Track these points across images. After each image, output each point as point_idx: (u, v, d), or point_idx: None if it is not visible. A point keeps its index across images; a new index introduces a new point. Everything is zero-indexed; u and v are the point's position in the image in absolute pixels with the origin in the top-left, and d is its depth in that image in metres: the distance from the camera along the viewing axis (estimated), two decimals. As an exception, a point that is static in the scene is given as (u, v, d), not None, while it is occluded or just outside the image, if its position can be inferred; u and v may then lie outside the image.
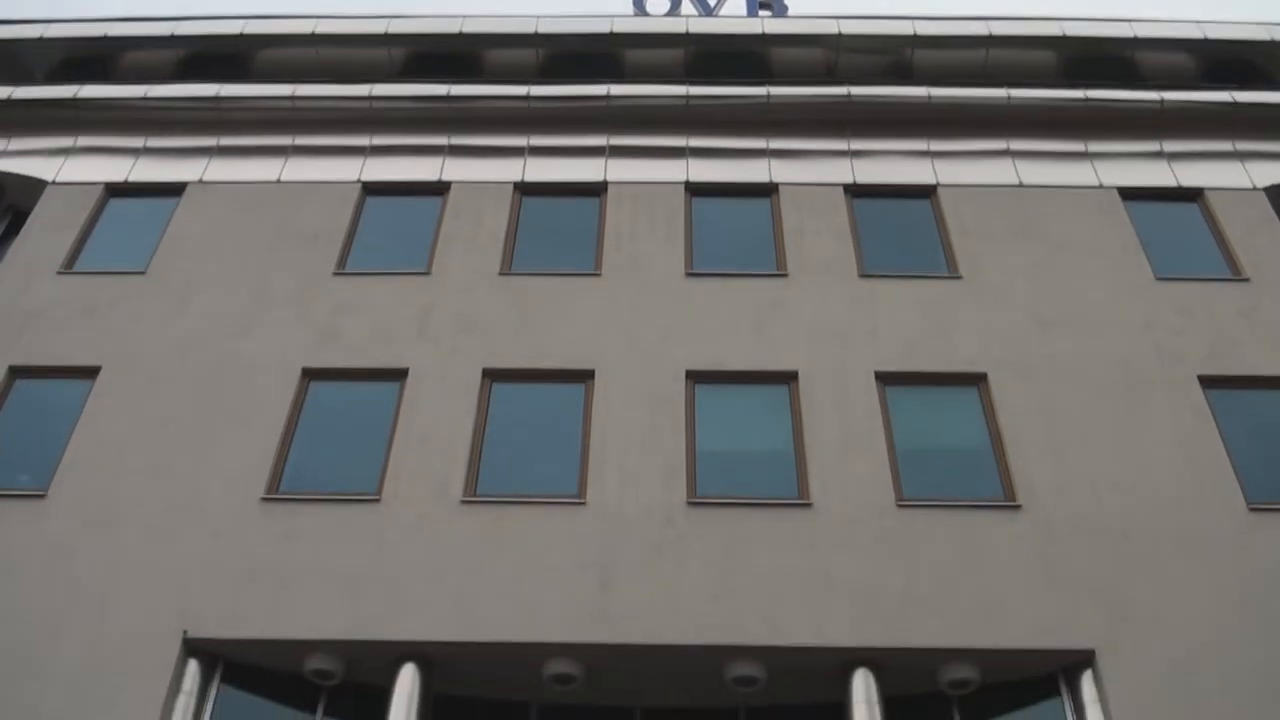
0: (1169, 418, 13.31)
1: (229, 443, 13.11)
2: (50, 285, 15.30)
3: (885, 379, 13.71)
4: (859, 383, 13.60)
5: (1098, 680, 11.18)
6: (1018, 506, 12.41)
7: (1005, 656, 11.41)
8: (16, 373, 14.29)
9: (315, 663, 11.53)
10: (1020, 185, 16.35)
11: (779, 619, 11.51)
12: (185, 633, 11.47)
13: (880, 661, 11.38)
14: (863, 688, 11.26)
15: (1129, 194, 16.27)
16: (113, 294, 15.07)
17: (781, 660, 11.43)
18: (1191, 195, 16.45)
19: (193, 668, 11.45)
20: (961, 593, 11.70)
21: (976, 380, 13.75)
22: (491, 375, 13.86)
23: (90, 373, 14.08)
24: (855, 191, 16.37)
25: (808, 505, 12.43)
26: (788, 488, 12.68)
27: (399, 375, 13.84)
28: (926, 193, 16.38)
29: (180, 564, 12.02)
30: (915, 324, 14.34)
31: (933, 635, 11.44)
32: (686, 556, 11.95)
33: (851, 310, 14.52)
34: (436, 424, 13.25)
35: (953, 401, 13.63)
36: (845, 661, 11.41)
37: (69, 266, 15.65)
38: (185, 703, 11.22)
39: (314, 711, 11.66)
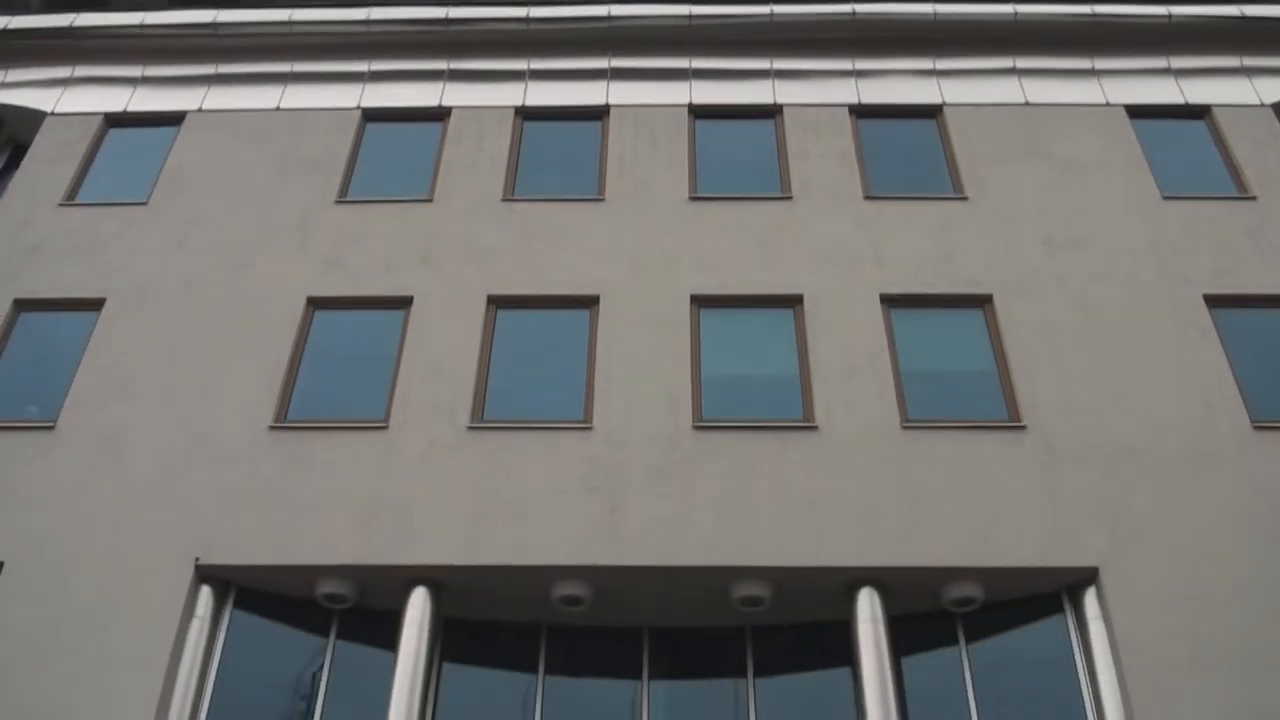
0: (1174, 337, 13.25)
1: (235, 372, 13.12)
2: (52, 217, 15.23)
3: (890, 301, 13.65)
4: (864, 305, 13.54)
5: (1101, 597, 11.27)
6: (1022, 427, 12.41)
7: (1009, 575, 11.49)
8: (21, 306, 14.28)
9: (327, 587, 11.64)
10: (1027, 104, 16.13)
11: (784, 540, 11.58)
12: (197, 560, 11.58)
13: (885, 580, 11.47)
14: (867, 606, 11.36)
15: (1136, 112, 16.06)
16: (115, 225, 15.00)
17: (787, 580, 11.53)
18: (1199, 113, 16.24)
19: (205, 594, 11.57)
20: (965, 513, 11.75)
21: (982, 302, 13.68)
22: (496, 302, 13.82)
23: (95, 305, 14.05)
24: (860, 112, 16.17)
25: (813, 428, 12.44)
26: (793, 411, 12.69)
27: (404, 303, 13.80)
28: (932, 113, 16.18)
29: (190, 492, 12.10)
30: (920, 246, 14.24)
31: (937, 554, 11.52)
32: (693, 479, 12.00)
33: (856, 233, 14.42)
34: (442, 351, 13.23)
35: (958, 323, 13.58)
36: (850, 581, 11.50)
37: (70, 198, 15.56)
38: (199, 627, 11.36)
39: (326, 635, 11.80)
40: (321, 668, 11.65)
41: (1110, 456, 12.15)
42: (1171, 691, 10.59)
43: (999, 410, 12.67)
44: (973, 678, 11.41)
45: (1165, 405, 12.59)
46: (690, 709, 11.76)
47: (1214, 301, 13.62)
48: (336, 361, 13.46)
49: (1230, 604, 11.07)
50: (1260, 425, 12.43)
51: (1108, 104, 16.12)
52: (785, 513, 11.75)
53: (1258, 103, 16.18)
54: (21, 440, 12.73)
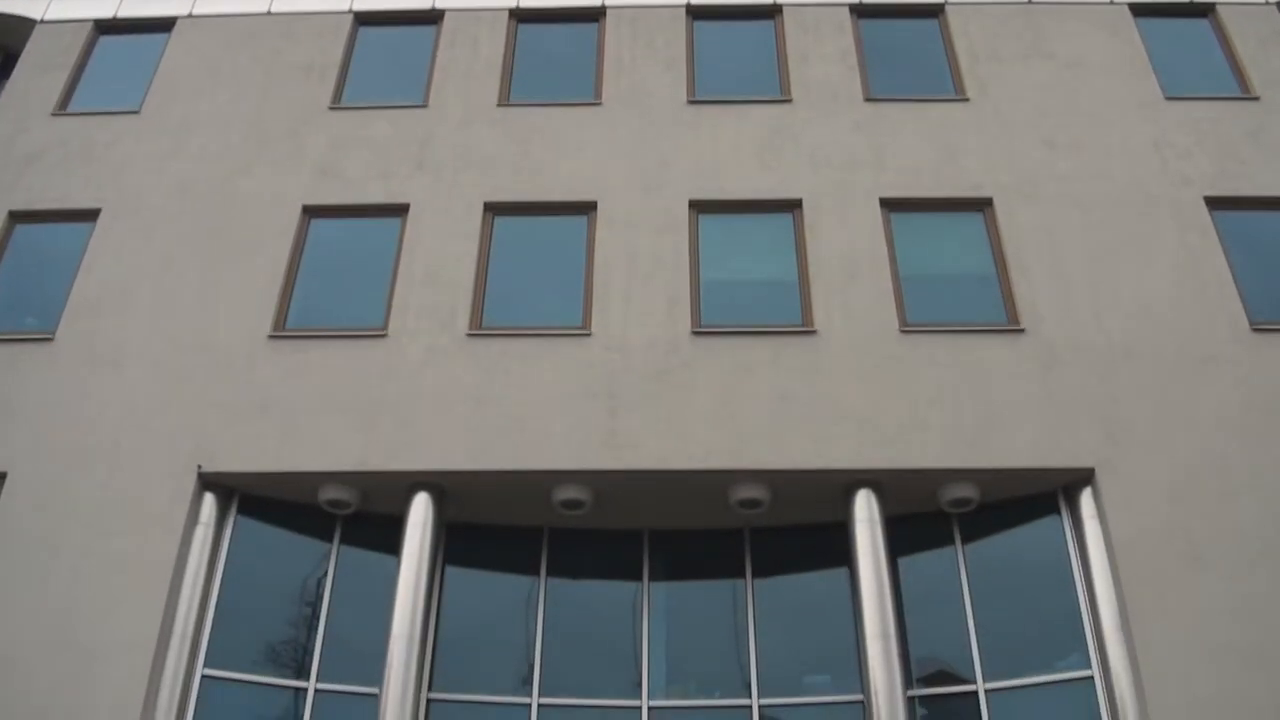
0: (1175, 239, 13.07)
1: (233, 281, 12.96)
2: (44, 128, 14.94)
3: (890, 205, 13.44)
4: (863, 209, 13.33)
5: (1096, 497, 11.26)
6: (1020, 330, 12.29)
7: (1005, 476, 11.46)
8: (16, 218, 14.08)
9: (329, 493, 11.63)
10: (1030, 2, 15.72)
11: (783, 443, 11.54)
12: (200, 467, 11.54)
13: (882, 482, 11.46)
14: (865, 507, 11.37)
15: (1140, 10, 15.66)
16: (108, 135, 14.72)
17: (785, 482, 11.52)
18: (1203, 10, 15.84)
19: (209, 500, 11.57)
20: (963, 415, 11.69)
21: (982, 205, 13.47)
22: (493, 209, 13.61)
23: (90, 215, 13.85)
24: (861, 12, 15.77)
25: (811, 333, 12.32)
26: (791, 315, 12.56)
27: (400, 211, 13.59)
28: (934, 11, 15.78)
29: (191, 401, 12.02)
30: (921, 148, 13.97)
31: (934, 456, 11.48)
32: (691, 384, 11.92)
33: (856, 135, 14.14)
34: (440, 259, 13.06)
35: (958, 226, 13.38)
36: (848, 483, 11.50)
37: (62, 108, 15.25)
38: (204, 533, 11.38)
39: (330, 540, 11.83)
40: (326, 573, 11.70)
41: (1108, 358, 12.06)
42: (1166, 588, 10.62)
43: (998, 313, 12.55)
44: (968, 577, 11.46)
45: (1164, 307, 12.46)
46: (690, 609, 11.83)
47: (1214, 203, 13.40)
48: (334, 270, 13.29)
49: (1226, 503, 11.06)
50: (1259, 327, 12.31)
51: (1111, 2, 15.71)
52: (783, 416, 11.69)
53: (1262, 0, 15.76)
54: (20, 352, 12.62)
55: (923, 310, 12.54)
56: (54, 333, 12.72)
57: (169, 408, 11.99)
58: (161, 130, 14.66)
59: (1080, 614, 10.98)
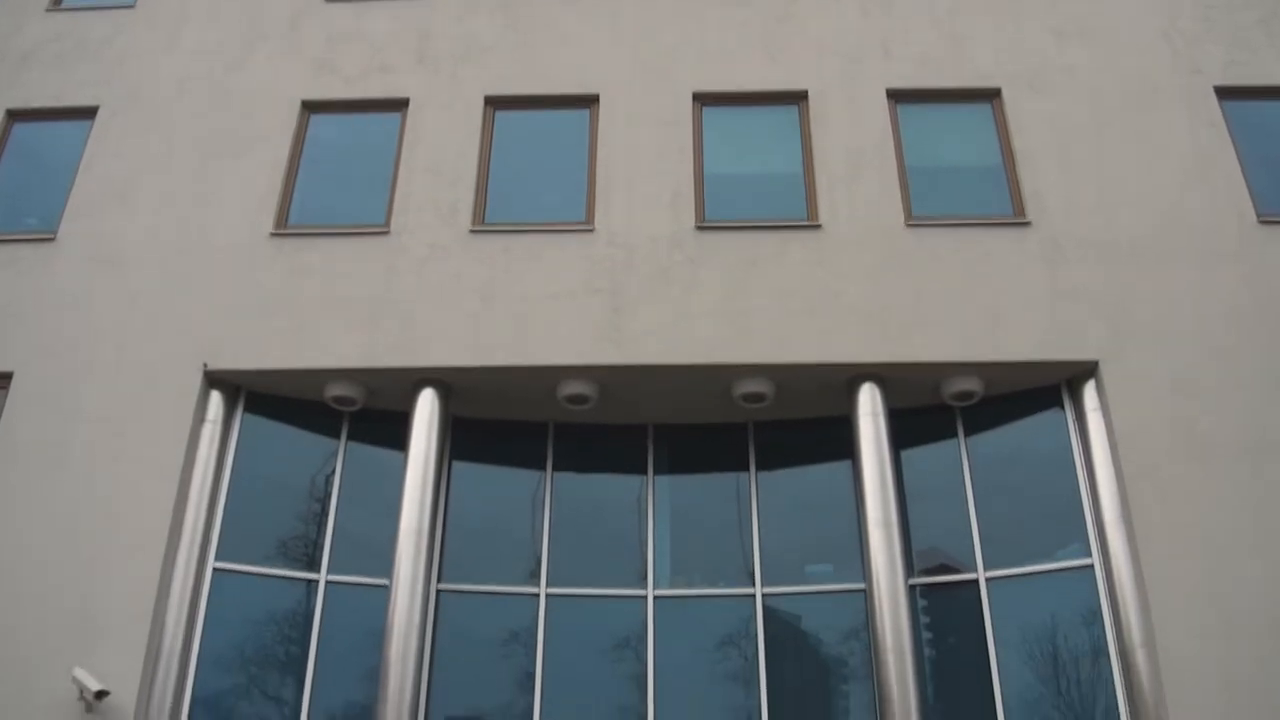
0: (1184, 130, 12.72)
1: (233, 179, 12.70)
2: (39, 24, 14.50)
3: (897, 96, 13.07)
4: (870, 101, 12.97)
5: (1100, 390, 11.14)
6: (1027, 223, 12.05)
7: (1009, 369, 11.34)
8: (14, 116, 13.73)
9: (335, 390, 11.54)
10: (1039, -112, 15.11)
11: (787, 337, 11.39)
12: (205, 365, 11.43)
13: (886, 376, 11.35)
14: (868, 401, 11.28)
15: (1149, -106, 15.06)
16: (103, 30, 14.29)
17: (789, 377, 11.41)
18: (1215, -107, 15.21)
19: (215, 398, 11.48)
20: (968, 308, 11.52)
21: (990, 96, 13.09)
22: (494, 103, 13.26)
23: (88, 113, 13.51)
24: (866, -101, 15.17)
25: (816, 227, 12.09)
26: (796, 210, 12.31)
27: (400, 105, 13.25)
28: (941, -101, 15.17)
29: (195, 299, 11.87)
30: (929, 38, 13.53)
31: (938, 350, 11.34)
32: (696, 279, 11.73)
33: (863, 25, 13.69)
34: (441, 154, 12.77)
35: (965, 118, 13.02)
36: (852, 377, 11.39)
37: (56, 3, 14.79)
38: (211, 430, 11.32)
39: (337, 437, 11.77)
40: (334, 469, 11.66)
41: (1114, 251, 11.83)
42: (1167, 480, 10.56)
43: (1004, 206, 12.28)
44: (970, 470, 11.41)
45: (1172, 199, 12.18)
46: (694, 502, 11.85)
47: (1224, 93, 13.01)
48: (334, 166, 13.01)
49: (1229, 396, 10.94)
50: (1267, 220, 12.06)
51: (1123, -113, 15.10)
52: (788, 310, 11.53)
53: (1277, -118, 15.16)
54: (22, 252, 12.42)
55: (929, 203, 12.27)
56: (55, 233, 12.50)
57: (172, 306, 11.83)
58: (156, 25, 14.22)
59: (1081, 505, 10.96)
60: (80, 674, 9.82)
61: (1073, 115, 12.82)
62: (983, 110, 12.99)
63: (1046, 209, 12.13)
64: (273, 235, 12.24)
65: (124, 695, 9.95)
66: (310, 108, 13.34)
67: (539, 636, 11.11)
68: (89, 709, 9.79)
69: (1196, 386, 11.00)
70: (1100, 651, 10.41)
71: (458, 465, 11.79)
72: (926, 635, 11.05)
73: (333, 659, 10.85)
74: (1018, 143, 12.63)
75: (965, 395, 11.45)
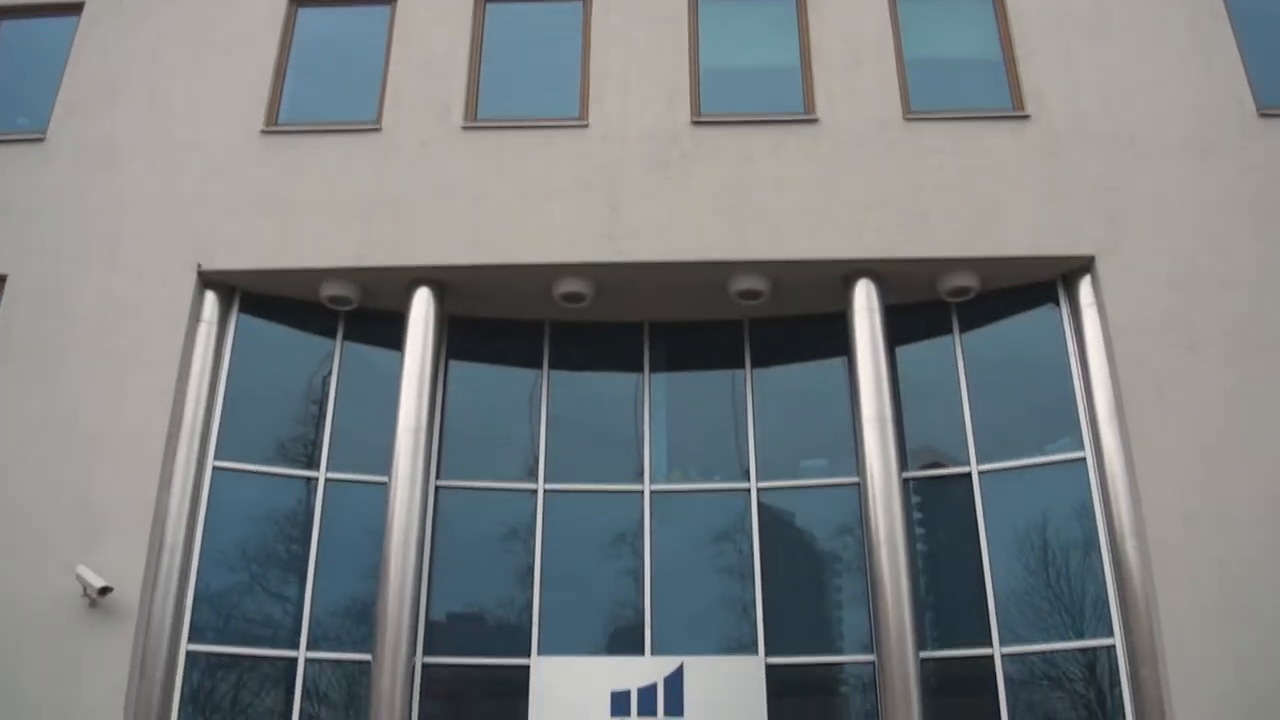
0: (1184, 20, 12.27)
1: (222, 76, 12.33)
2: (19, -82, 13.95)
3: (895, -12, 12.65)
4: (868, -9, 12.53)
5: (1095, 285, 10.95)
6: (1025, 116, 11.72)
7: (1005, 264, 11.14)
8: (0, 14, 13.28)
9: (330, 290, 11.35)
10: None
11: (783, 233, 11.16)
12: (199, 265, 11.22)
13: (882, 272, 11.16)
14: (864, 297, 11.11)
15: None
16: (84, -79, 13.75)
17: (785, 273, 11.21)
18: None
19: (210, 299, 11.31)
20: (965, 203, 11.26)
21: (990, -14, 12.66)
22: (485, -5, 12.84)
23: (74, 8, 13.05)
24: None
25: (813, 121, 11.77)
26: (793, 104, 11.96)
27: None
28: None
29: (187, 199, 11.60)
30: (927, -73, 13.02)
31: (935, 245, 11.12)
32: (691, 175, 11.46)
33: (860, -85, 13.17)
34: (432, 49, 12.37)
35: (965, 10, 12.56)
36: (847, 273, 11.20)
37: (36, -104, 14.22)
38: (206, 331, 11.17)
39: (333, 336, 11.61)
40: (330, 368, 11.52)
41: (1113, 145, 11.52)
42: (1162, 375, 10.43)
43: (1003, 99, 11.93)
44: (965, 365, 11.28)
45: (1171, 92, 11.82)
46: (690, 399, 11.75)
47: (1229, -17, 12.58)
48: (324, 63, 12.63)
49: (1225, 291, 10.74)
50: (1266, 113, 11.70)
51: None
52: (784, 206, 11.27)
53: None
54: (13, 153, 12.11)
55: (927, 97, 11.92)
56: (45, 132, 12.17)
57: (165, 206, 11.57)
58: (140, -82, 13.69)
59: (1075, 400, 10.84)
60: (83, 571, 9.79)
61: (1073, 7, 12.38)
62: (983, 2, 12.55)
63: (1045, 102, 11.79)
64: (263, 133, 11.92)
65: (127, 591, 9.94)
66: (298, 2, 12.88)
67: (537, 532, 11.10)
68: (93, 605, 9.78)
69: (1193, 281, 10.80)
70: (1090, 543, 10.40)
71: (454, 364, 11.67)
72: (919, 530, 11.04)
73: (334, 556, 10.86)
74: (1017, 34, 12.22)
75: (961, 291, 11.27)
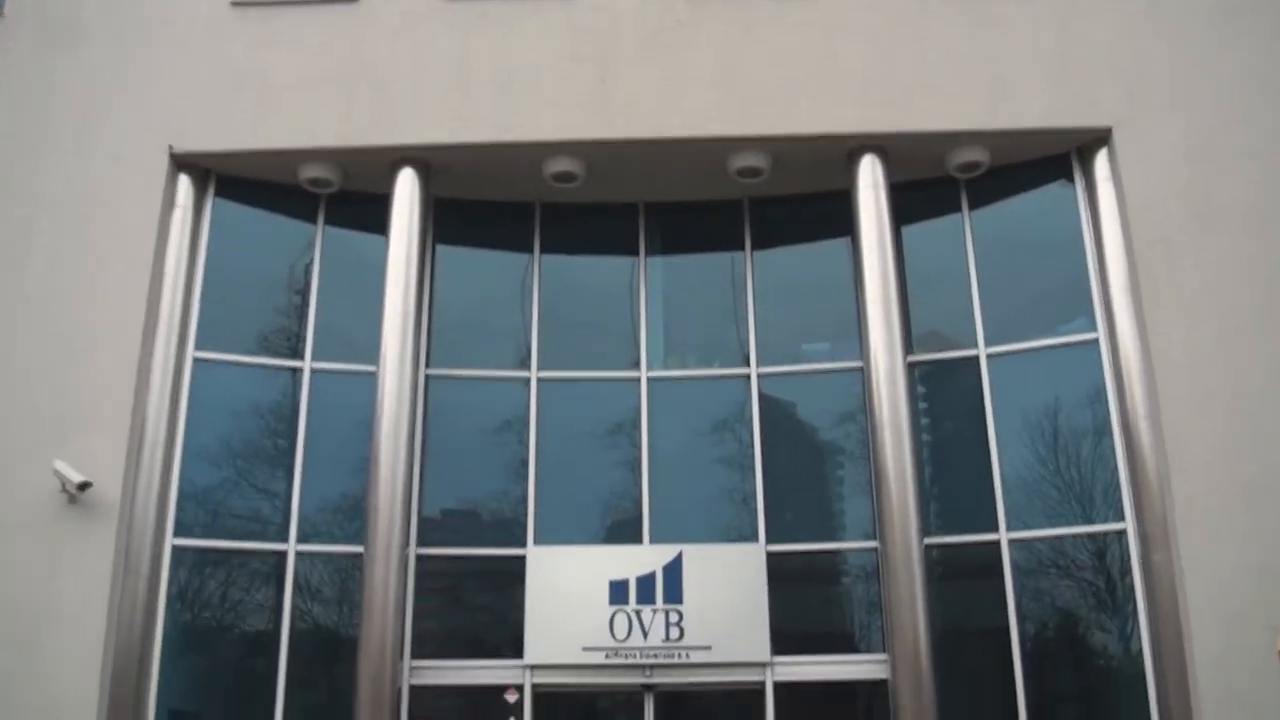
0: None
1: (189, -55, 11.43)
2: None
3: None
4: None
5: (1112, 158, 10.31)
6: (1038, -19, 10.91)
7: (1018, 138, 10.46)
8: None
9: (310, 172, 10.68)
10: None
11: (784, 107, 10.46)
12: (171, 147, 10.51)
13: (888, 146, 10.51)
14: (869, 173, 10.48)
15: None
16: None
17: (786, 149, 10.54)
18: None
19: (184, 183, 10.64)
20: (975, 75, 10.54)
21: None
22: None
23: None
24: None
25: (815, -13, 10.96)
26: (795, -32, 11.13)
27: None
28: None
29: (157, 77, 10.83)
30: None
31: (943, 118, 10.43)
32: (688, 46, 10.68)
33: None
34: (411, -85, 11.46)
35: None
36: (852, 148, 10.55)
37: None
38: (181, 216, 10.52)
39: (314, 221, 10.98)
40: (313, 256, 10.90)
41: (1129, 11, 10.71)
42: (1179, 251, 9.86)
43: (1015, -37, 11.10)
44: (974, 245, 10.72)
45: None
46: (688, 283, 11.26)
47: None
48: (296, -71, 11.72)
49: (1246, 162, 10.09)
50: (1296, -24, 10.92)
51: None
52: (785, 79, 10.54)
53: None
54: (-30, 31, 11.28)
55: (935, -40, 11.09)
56: (2, 8, 11.30)
57: (133, 86, 10.80)
58: None
59: (1088, 279, 10.31)
60: (61, 466, 9.31)
61: None
62: None
63: (1060, -35, 10.96)
64: (235, 4, 11.07)
65: (108, 487, 9.50)
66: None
67: (531, 423, 10.67)
68: (72, 500, 9.33)
69: (1213, 154, 10.14)
70: (1102, 429, 9.95)
71: (441, 249, 11.08)
72: (924, 415, 10.59)
73: (322, 451, 10.41)
74: (1032, -106, 11.33)
75: (971, 166, 10.62)
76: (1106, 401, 9.94)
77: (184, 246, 10.44)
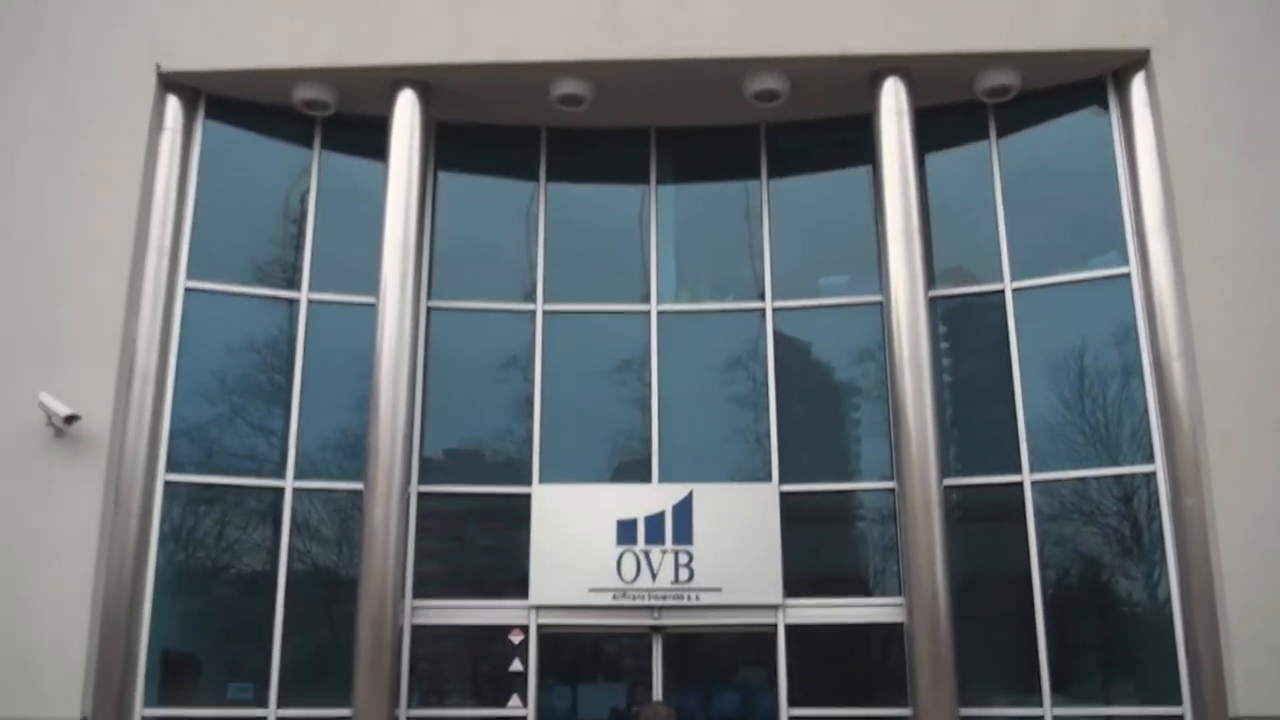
0: None
1: None
2: None
3: None
4: None
5: (1150, 82, 9.73)
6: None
7: (1050, 59, 9.85)
8: None
9: (305, 93, 10.13)
10: None
11: (803, 25, 9.86)
12: (158, 66, 9.96)
13: (912, 69, 9.93)
14: (892, 97, 9.94)
15: None
16: None
17: (805, 71, 9.95)
18: None
19: (173, 103, 10.10)
20: (1007, -9, 9.93)
21: None
22: None
23: None
24: None
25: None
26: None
27: None
28: None
29: (142, -8, 10.24)
30: None
31: (971, 38, 9.83)
32: (701, -41, 10.06)
33: None
34: None
35: None
36: (874, 70, 9.98)
37: None
38: (170, 139, 10.01)
39: (310, 144, 10.45)
40: (309, 182, 10.39)
41: (1172, -78, 10.07)
42: (1219, 179, 9.31)
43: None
44: (1001, 174, 10.18)
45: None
46: (701, 212, 10.79)
47: None
48: None
49: (1290, 85, 9.50)
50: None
51: None
52: (804, -5, 9.95)
53: None
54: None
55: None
56: (-19, -80, 10.72)
57: (116, 1, 10.20)
58: None
59: (1121, 211, 9.79)
60: (47, 398, 8.91)
61: None
62: None
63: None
64: (223, -85, 10.46)
65: (97, 420, 9.09)
66: None
67: (536, 358, 10.25)
68: (59, 434, 8.94)
69: (1257, 75, 9.53)
70: (1132, 368, 9.50)
71: (444, 175, 10.57)
72: (946, 360, 10.11)
73: (320, 385, 10.00)
74: None
75: (1000, 91, 10.03)
76: (1138, 339, 9.47)
77: (173, 171, 9.94)
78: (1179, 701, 8.76)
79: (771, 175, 10.57)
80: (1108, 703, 9.20)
